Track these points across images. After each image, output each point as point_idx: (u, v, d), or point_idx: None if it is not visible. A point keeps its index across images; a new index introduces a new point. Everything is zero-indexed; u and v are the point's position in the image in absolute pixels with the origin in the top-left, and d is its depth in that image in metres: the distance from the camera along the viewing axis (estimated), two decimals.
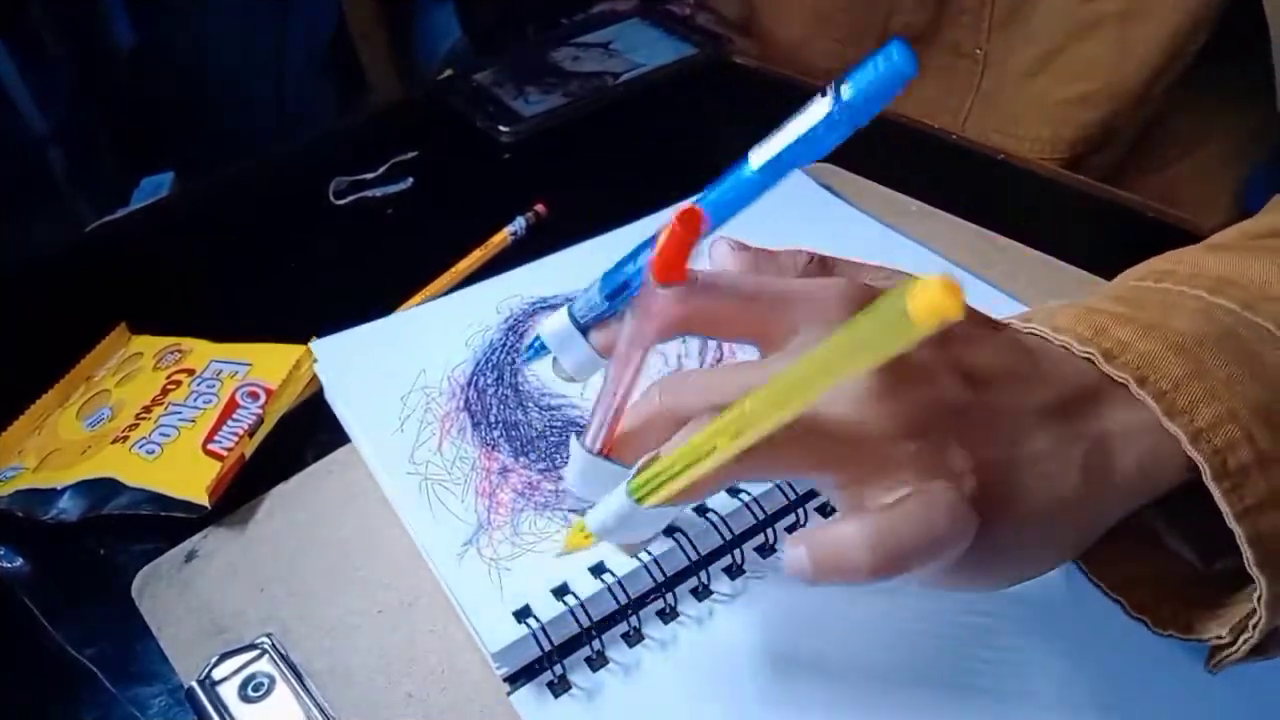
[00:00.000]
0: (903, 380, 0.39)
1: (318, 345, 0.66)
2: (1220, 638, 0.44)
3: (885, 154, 0.86)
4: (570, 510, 0.56)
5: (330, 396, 0.65)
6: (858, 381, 0.39)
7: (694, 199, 0.42)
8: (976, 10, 0.93)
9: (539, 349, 0.48)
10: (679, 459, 0.38)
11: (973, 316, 0.43)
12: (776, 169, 0.40)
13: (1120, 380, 0.42)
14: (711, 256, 0.46)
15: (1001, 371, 0.42)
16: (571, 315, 0.46)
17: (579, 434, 0.44)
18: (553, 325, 0.47)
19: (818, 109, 0.38)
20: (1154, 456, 0.42)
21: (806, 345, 0.41)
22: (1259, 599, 0.41)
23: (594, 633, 0.51)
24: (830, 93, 0.38)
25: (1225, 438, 0.40)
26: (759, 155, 0.40)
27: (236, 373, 0.67)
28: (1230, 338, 0.43)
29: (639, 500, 0.40)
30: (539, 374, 0.64)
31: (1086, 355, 0.43)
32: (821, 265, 0.48)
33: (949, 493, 0.38)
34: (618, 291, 0.44)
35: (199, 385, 0.67)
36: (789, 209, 0.77)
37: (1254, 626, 0.42)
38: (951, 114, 0.99)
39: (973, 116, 0.98)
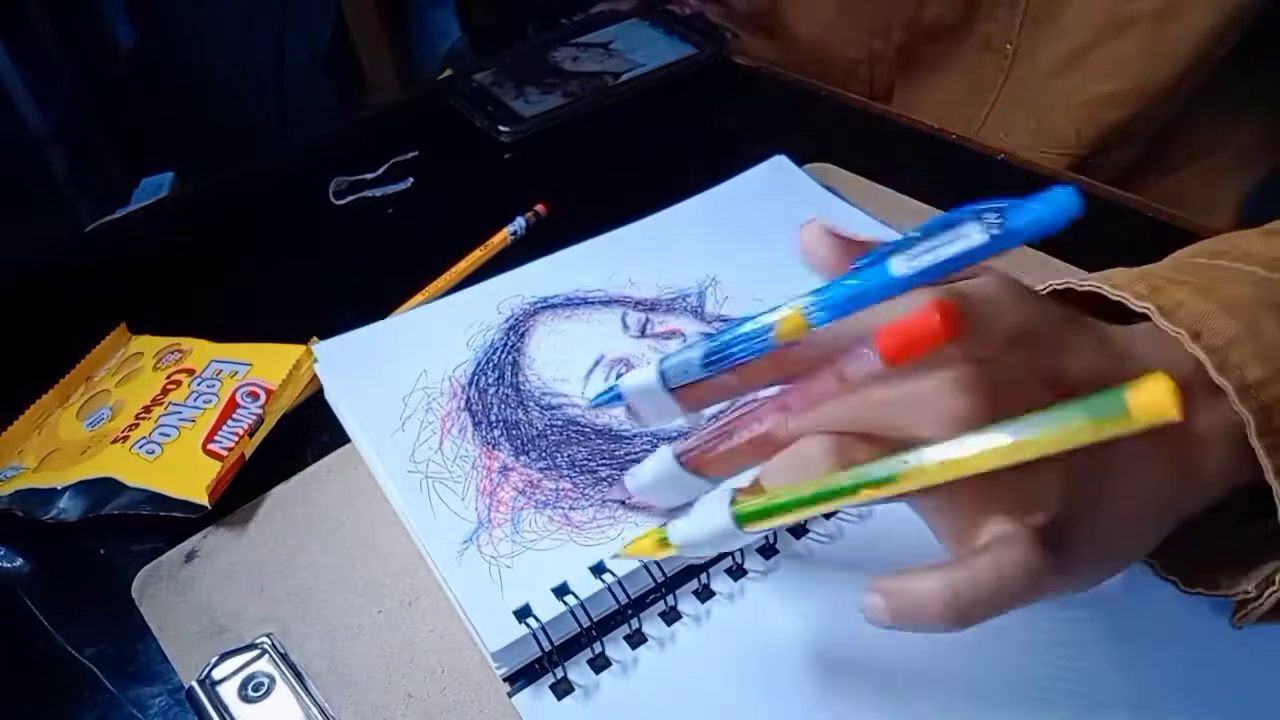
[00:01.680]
0: (1000, 406, 0.38)
1: (319, 348, 0.66)
2: (1247, 593, 0.45)
3: (885, 154, 0.86)
4: (576, 514, 0.56)
5: (331, 398, 0.65)
6: (956, 405, 0.39)
7: (827, 289, 0.41)
8: (1011, 4, 0.92)
9: (614, 399, 0.49)
10: (803, 492, 0.40)
11: (1060, 316, 0.43)
12: (918, 279, 0.40)
13: (1175, 335, 0.42)
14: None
15: (1092, 378, 0.41)
16: (662, 376, 0.46)
17: (670, 441, 0.47)
18: (638, 381, 0.47)
19: (971, 237, 0.39)
20: (1236, 459, 0.42)
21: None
22: None
23: (594, 633, 0.51)
24: (989, 221, 0.38)
25: (1272, 394, 0.41)
26: (902, 263, 0.40)
27: (236, 372, 0.67)
28: None
29: (742, 525, 0.42)
30: (540, 374, 0.64)
31: (1143, 309, 0.43)
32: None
33: (1019, 548, 0.38)
34: (716, 362, 0.44)
35: (199, 385, 0.67)
36: (792, 208, 0.77)
37: None
38: (975, 108, 0.98)
39: (996, 110, 0.97)
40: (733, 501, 0.43)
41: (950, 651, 0.51)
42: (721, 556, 0.54)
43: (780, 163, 0.81)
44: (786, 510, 0.40)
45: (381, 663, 0.52)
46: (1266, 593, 0.44)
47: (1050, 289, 0.49)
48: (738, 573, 0.54)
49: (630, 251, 0.73)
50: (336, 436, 0.64)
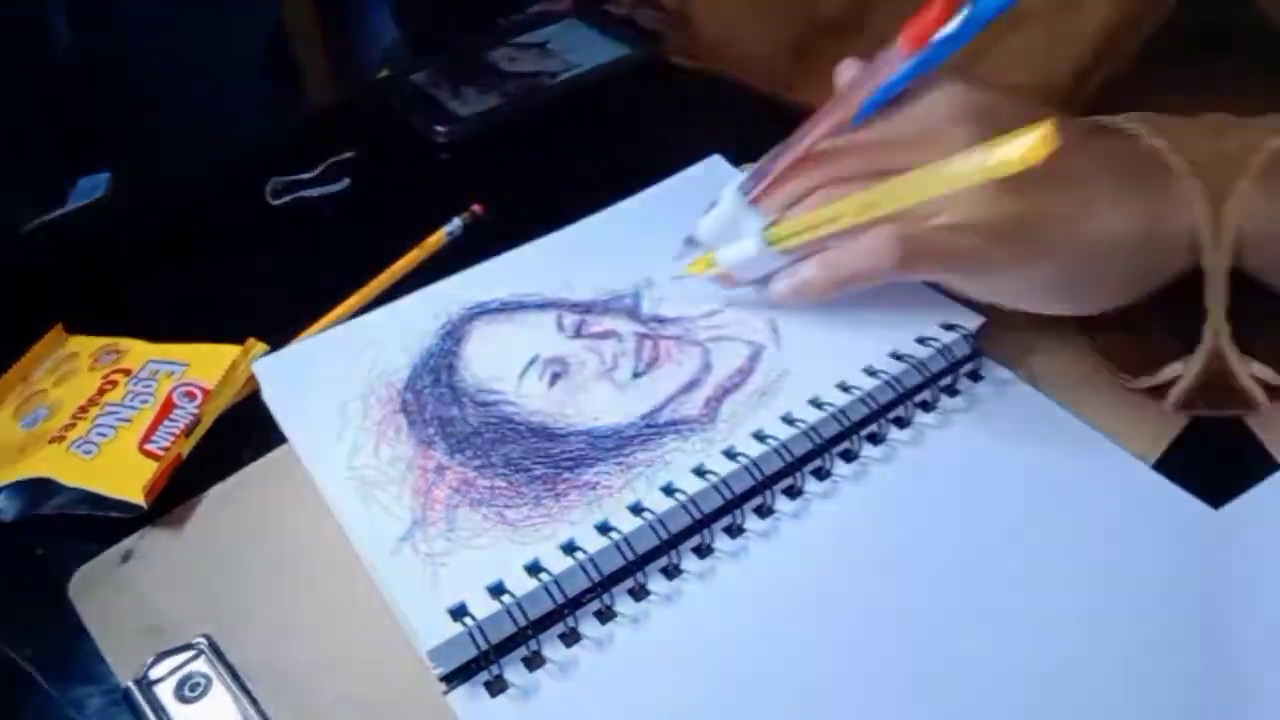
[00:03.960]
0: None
1: (258, 364, 0.66)
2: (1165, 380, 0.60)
3: None
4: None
5: (273, 411, 0.64)
6: (960, 133, 0.57)
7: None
8: None
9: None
10: (815, 219, 0.59)
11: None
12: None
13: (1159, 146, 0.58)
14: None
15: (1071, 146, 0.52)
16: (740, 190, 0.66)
17: (740, 185, 0.65)
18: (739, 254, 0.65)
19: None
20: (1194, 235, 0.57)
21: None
22: None
23: (530, 632, 0.52)
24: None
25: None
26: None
27: (173, 373, 0.67)
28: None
29: (771, 243, 0.61)
30: (476, 374, 0.64)
31: (1132, 130, 0.60)
32: None
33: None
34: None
35: (136, 385, 0.67)
36: None
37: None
38: None
39: None
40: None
41: (927, 640, 0.52)
42: (655, 555, 0.55)
43: (715, 163, 0.82)
44: (806, 228, 0.59)
45: (318, 662, 0.53)
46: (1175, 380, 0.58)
47: None
48: (673, 572, 0.55)
49: (567, 255, 0.74)
50: (274, 436, 0.64)
